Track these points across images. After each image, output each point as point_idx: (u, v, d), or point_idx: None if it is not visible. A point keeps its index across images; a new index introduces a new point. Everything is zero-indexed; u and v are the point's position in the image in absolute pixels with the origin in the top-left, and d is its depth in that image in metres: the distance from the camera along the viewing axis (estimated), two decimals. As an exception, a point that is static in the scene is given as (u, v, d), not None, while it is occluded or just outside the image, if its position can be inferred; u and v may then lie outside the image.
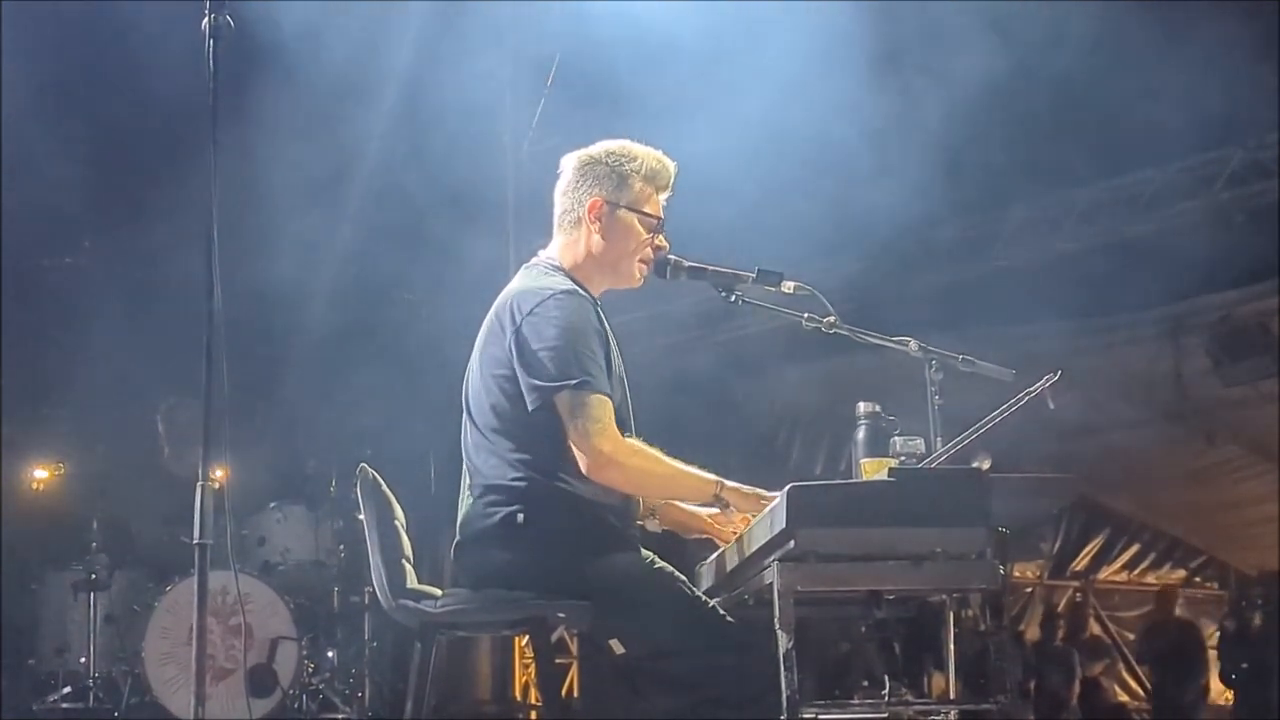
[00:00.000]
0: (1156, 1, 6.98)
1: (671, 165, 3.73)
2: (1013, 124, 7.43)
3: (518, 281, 3.68)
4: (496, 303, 3.65)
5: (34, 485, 7.68)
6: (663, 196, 3.73)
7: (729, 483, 3.58)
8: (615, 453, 3.43)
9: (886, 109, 7.20)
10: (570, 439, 3.43)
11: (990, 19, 7.10)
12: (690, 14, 7.19)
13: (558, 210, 3.74)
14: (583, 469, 3.44)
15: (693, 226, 3.96)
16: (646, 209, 3.68)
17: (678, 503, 3.84)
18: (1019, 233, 8.80)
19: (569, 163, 3.74)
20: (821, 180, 7.20)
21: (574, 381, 3.42)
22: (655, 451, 3.54)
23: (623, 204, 3.66)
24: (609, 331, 3.62)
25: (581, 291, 3.60)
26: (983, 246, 8.87)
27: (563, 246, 3.72)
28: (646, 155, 3.70)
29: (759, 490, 3.59)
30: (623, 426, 3.58)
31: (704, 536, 3.88)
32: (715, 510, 3.74)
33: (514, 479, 3.51)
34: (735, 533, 3.68)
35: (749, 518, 3.57)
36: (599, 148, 3.72)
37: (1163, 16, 6.88)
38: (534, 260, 3.75)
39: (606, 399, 3.45)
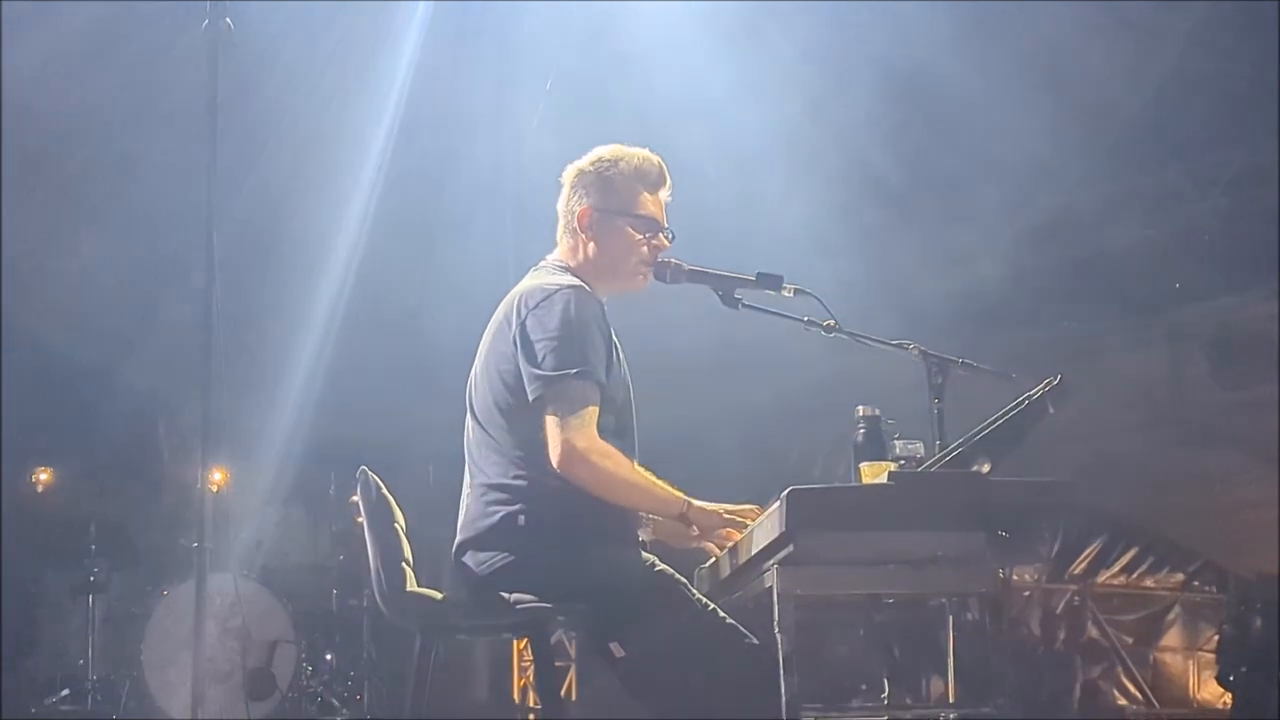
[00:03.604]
0: (1155, 3, 6.98)
1: (658, 160, 3.71)
2: (1008, 136, 7.43)
3: (526, 280, 3.69)
4: (504, 300, 3.65)
5: (34, 487, 7.68)
6: (663, 194, 3.72)
7: (697, 502, 3.55)
8: (589, 450, 3.38)
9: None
10: (545, 426, 3.40)
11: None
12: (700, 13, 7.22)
13: (559, 223, 3.77)
14: (552, 460, 3.39)
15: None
16: (638, 211, 3.67)
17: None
18: (1018, 239, 8.80)
19: (565, 175, 3.76)
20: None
21: (574, 371, 3.41)
22: (628, 461, 3.50)
23: (611, 209, 3.67)
24: (613, 334, 3.61)
25: (589, 289, 3.60)
26: (983, 253, 8.87)
27: (565, 253, 3.74)
28: (631, 156, 3.70)
29: (722, 506, 3.58)
30: (626, 430, 3.58)
31: (695, 547, 3.85)
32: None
33: (516, 477, 3.49)
34: (724, 547, 3.67)
35: (734, 533, 3.57)
36: (589, 156, 3.74)
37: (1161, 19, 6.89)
38: (542, 262, 3.76)
39: (598, 390, 3.43)
